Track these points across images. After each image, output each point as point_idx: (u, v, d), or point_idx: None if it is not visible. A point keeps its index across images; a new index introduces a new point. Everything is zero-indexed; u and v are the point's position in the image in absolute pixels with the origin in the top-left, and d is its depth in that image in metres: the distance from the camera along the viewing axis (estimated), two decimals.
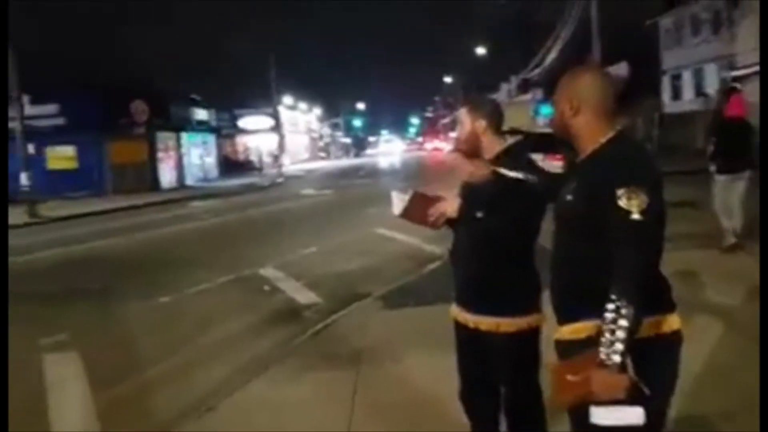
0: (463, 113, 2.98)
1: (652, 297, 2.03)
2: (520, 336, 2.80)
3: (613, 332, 1.94)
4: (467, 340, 2.96)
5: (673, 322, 2.14)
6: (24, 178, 20.74)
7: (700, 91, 31.55)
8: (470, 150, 2.94)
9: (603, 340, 1.96)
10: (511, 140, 3.03)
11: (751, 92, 14.01)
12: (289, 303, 7.50)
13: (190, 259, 10.99)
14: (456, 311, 3.00)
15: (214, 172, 42.18)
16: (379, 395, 4.43)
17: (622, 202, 2.00)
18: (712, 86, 29.79)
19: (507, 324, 2.79)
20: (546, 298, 2.48)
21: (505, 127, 3.01)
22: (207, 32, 39.29)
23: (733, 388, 3.98)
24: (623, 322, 1.93)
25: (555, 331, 2.27)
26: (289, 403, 4.50)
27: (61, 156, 29.74)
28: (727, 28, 29.20)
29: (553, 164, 3.63)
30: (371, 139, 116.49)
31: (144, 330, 6.83)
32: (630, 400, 1.99)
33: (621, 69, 28.60)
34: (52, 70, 26.22)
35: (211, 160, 42.62)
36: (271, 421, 4.23)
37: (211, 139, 42.82)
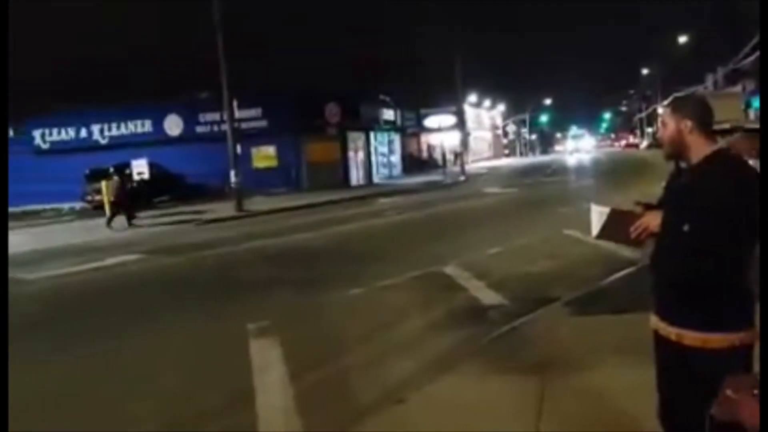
0: (666, 113, 2.78)
1: None
2: (730, 353, 2.53)
3: None
4: (668, 355, 2.72)
5: None
6: (233, 175, 22.90)
7: None
8: (675, 152, 2.75)
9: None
10: (722, 141, 2.78)
11: None
12: (473, 302, 7.50)
13: (378, 254, 11.43)
14: (656, 321, 2.77)
15: (398, 169, 43.61)
16: (568, 406, 4.29)
17: None
18: None
19: (716, 339, 2.54)
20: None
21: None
22: (395, 35, 40.67)
23: None
24: None
25: None
26: (476, 403, 4.51)
27: (264, 155, 32.49)
28: None
29: None
30: (558, 135, 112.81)
31: (338, 320, 7.24)
32: None
33: None
34: (255, 76, 28.65)
35: (396, 158, 44.15)
36: (459, 420, 4.27)
37: (396, 137, 44.34)
